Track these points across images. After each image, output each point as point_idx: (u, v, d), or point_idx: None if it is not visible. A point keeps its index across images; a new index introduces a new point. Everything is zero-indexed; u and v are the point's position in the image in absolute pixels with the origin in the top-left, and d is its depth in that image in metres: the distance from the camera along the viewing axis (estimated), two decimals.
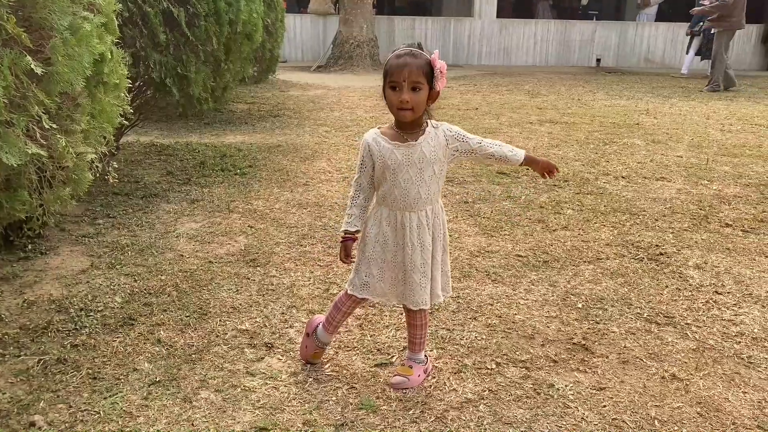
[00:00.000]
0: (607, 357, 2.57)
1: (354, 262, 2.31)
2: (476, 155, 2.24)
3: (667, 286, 3.23)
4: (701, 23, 12.49)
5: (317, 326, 2.46)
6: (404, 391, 2.32)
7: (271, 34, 8.79)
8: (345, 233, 2.24)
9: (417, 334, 2.38)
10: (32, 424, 2.10)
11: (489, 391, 2.33)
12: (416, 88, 2.05)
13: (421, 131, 2.15)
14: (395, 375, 2.37)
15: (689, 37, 13.20)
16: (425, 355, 2.43)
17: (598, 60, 13.97)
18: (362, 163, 2.20)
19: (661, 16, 17.80)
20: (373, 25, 14.18)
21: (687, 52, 13.49)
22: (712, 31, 11.26)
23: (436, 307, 2.92)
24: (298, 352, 2.53)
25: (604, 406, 2.25)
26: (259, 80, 10.14)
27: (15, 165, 2.33)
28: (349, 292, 2.32)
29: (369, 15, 14.03)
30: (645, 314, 2.93)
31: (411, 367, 2.38)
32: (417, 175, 2.14)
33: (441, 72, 2.07)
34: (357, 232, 2.26)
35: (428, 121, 2.17)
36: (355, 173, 2.24)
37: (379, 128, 2.19)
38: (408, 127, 2.14)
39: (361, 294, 2.30)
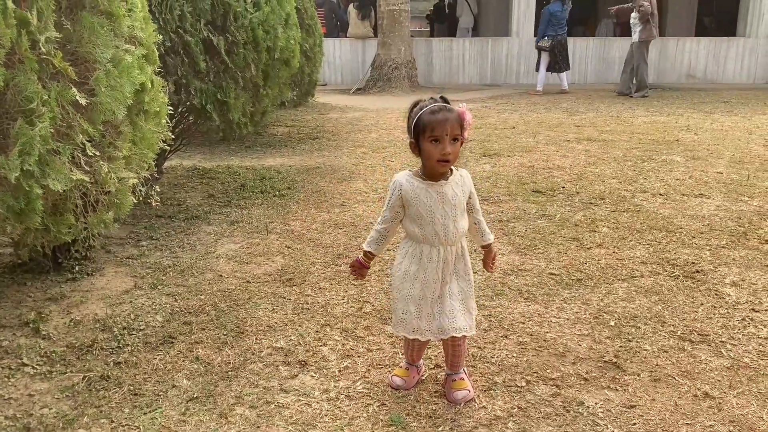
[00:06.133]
0: (638, 375, 2.56)
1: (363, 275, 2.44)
2: (470, 215, 2.37)
3: (702, 304, 3.20)
4: (545, 37, 12.80)
5: None
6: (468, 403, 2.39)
7: (310, 59, 8.99)
8: (366, 252, 2.37)
9: (458, 356, 2.45)
10: None
11: (518, 408, 2.35)
12: (456, 139, 2.16)
13: (448, 176, 2.27)
14: (454, 392, 2.41)
15: (538, 52, 13.18)
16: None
17: None
18: (390, 201, 2.29)
19: (703, 31, 17.60)
20: (411, 47, 14.32)
21: (537, 69, 13.41)
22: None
23: None
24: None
25: (634, 424, 2.25)
26: (298, 104, 10.34)
27: (61, 190, 2.46)
28: (394, 332, 2.41)
29: (407, 37, 14.18)
30: (679, 332, 2.91)
31: (463, 379, 2.44)
32: (451, 211, 2.24)
33: (468, 123, 2.19)
34: (372, 255, 2.38)
35: (451, 168, 2.28)
36: (383, 207, 2.34)
37: (410, 171, 2.30)
38: (439, 177, 2.25)
39: (398, 331, 2.40)
